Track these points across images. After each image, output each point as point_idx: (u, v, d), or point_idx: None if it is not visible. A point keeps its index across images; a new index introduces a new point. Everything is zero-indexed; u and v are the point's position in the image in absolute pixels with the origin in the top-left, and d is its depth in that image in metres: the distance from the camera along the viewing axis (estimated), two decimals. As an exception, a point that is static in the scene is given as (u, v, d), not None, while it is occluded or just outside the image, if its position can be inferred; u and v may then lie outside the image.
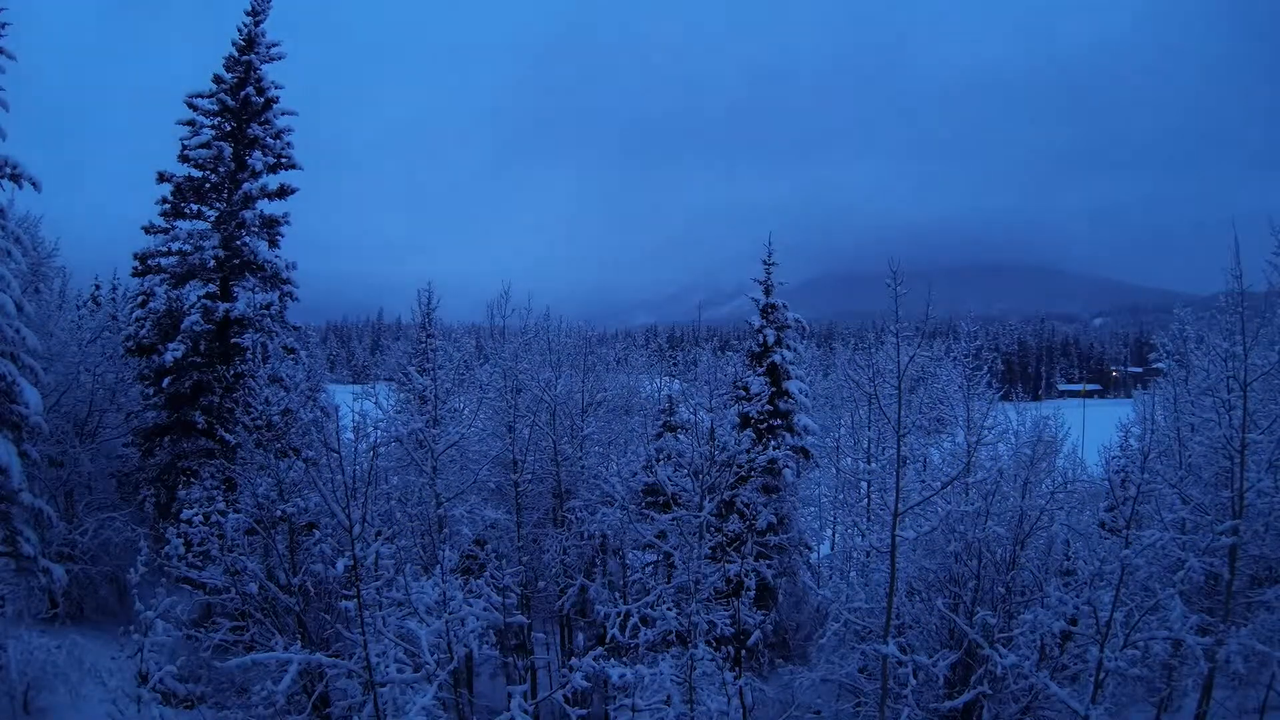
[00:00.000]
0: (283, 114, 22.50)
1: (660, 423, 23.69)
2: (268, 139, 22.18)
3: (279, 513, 15.70)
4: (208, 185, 21.97)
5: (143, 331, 21.86)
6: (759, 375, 22.73)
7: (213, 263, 21.38)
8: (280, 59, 22.44)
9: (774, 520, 21.93)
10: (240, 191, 21.73)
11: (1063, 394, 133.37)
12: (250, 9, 22.11)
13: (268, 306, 21.51)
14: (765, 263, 23.26)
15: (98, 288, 45.98)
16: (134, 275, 22.41)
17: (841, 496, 26.78)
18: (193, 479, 19.63)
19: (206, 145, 21.61)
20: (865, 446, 25.44)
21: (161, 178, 21.78)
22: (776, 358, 22.99)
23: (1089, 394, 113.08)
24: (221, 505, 15.46)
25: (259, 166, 21.91)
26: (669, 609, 14.69)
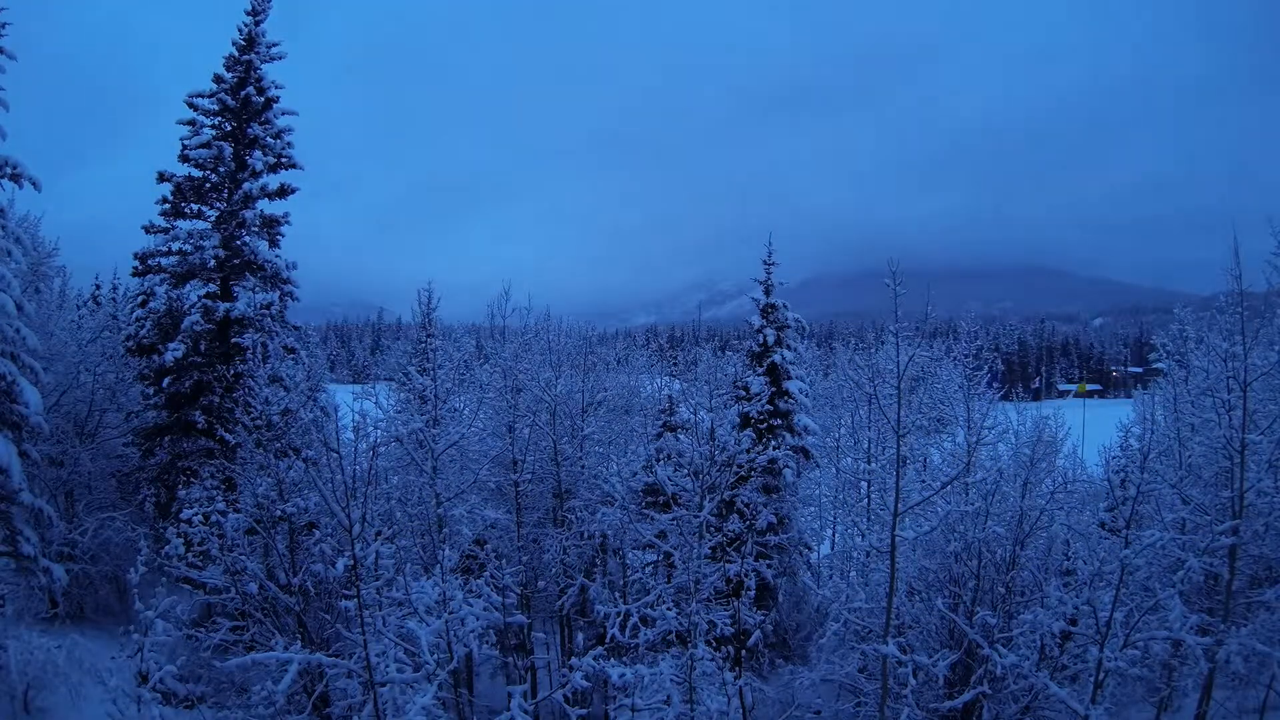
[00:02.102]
0: (283, 114, 22.49)
1: (660, 423, 23.67)
2: (268, 139, 22.16)
3: (279, 513, 15.68)
4: (208, 185, 21.95)
5: (143, 331, 21.85)
6: (759, 375, 22.72)
7: (213, 262, 21.38)
8: (280, 59, 22.41)
9: (774, 520, 21.92)
10: (240, 191, 21.73)
11: (1062, 394, 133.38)
12: (250, 9, 22.09)
13: (268, 306, 21.52)
14: (765, 263, 23.23)
15: (98, 287, 45.96)
16: (134, 275, 22.38)
17: (841, 496, 26.77)
18: (193, 479, 19.65)
19: (207, 145, 21.60)
20: (865, 446, 25.41)
21: (162, 177, 21.76)
22: (776, 358, 22.98)
23: (1089, 394, 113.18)
24: (221, 505, 15.47)
25: (259, 166, 21.89)
26: (669, 609, 14.67)
